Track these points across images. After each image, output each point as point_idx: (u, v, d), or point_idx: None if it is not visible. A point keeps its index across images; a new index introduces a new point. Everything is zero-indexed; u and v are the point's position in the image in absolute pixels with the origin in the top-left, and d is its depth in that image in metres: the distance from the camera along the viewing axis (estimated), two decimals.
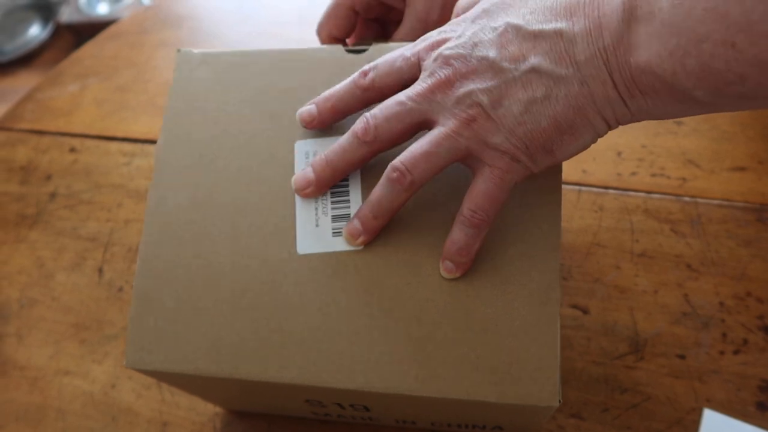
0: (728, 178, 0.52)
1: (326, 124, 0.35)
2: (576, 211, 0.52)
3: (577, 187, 0.53)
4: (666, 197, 0.52)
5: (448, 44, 0.30)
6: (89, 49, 0.76)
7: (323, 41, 0.45)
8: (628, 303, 0.47)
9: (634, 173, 0.53)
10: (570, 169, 0.54)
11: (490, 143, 0.30)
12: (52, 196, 0.64)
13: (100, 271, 0.58)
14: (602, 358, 0.46)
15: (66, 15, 1.78)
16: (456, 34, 0.31)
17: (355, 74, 0.34)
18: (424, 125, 0.32)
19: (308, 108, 0.35)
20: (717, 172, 0.52)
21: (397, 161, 0.31)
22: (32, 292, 0.58)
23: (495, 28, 0.29)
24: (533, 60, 0.28)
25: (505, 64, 0.29)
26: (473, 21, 0.30)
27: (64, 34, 1.86)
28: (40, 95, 0.72)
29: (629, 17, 0.26)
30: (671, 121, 0.57)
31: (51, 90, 0.72)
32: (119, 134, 0.66)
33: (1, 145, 0.69)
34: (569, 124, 0.29)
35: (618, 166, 0.54)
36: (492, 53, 0.29)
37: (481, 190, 0.31)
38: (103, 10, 1.80)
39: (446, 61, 0.30)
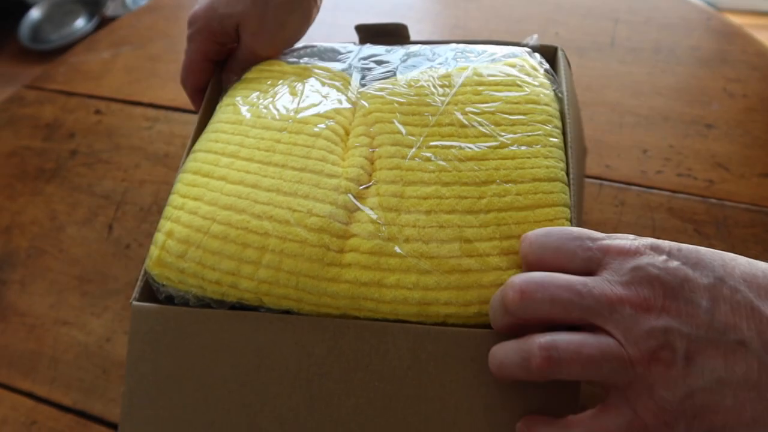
0: (758, 183, 0.50)
1: None
2: (596, 204, 0.50)
3: (598, 181, 0.52)
4: (691, 198, 0.50)
5: (653, 260, 0.26)
6: (127, 19, 0.78)
7: (190, 95, 0.46)
8: None
9: (659, 171, 0.52)
10: (592, 163, 0.53)
11: (657, 394, 0.25)
12: (73, 153, 0.64)
13: (110, 227, 0.58)
14: None
15: (111, 9, 1.83)
16: (662, 254, 0.26)
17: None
18: (584, 324, 0.27)
19: None
20: (747, 177, 0.51)
21: (547, 342, 0.26)
22: (42, 242, 0.58)
23: (709, 276, 0.25)
24: (745, 334, 0.24)
25: (716, 323, 0.25)
26: (680, 250, 0.26)
27: None
28: (74, 59, 0.74)
29: None
30: (702, 123, 0.55)
31: (85, 55, 0.74)
32: (145, 100, 0.67)
33: (30, 103, 0.70)
34: (756, 417, 0.24)
35: (643, 164, 0.52)
36: (704, 302, 0.25)
37: (611, 426, 0.26)
38: None
39: (648, 279, 0.25)
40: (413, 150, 0.34)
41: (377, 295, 0.30)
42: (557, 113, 0.36)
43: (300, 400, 0.31)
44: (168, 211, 0.35)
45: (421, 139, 0.34)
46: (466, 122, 0.35)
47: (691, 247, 0.26)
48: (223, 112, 0.39)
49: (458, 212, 0.31)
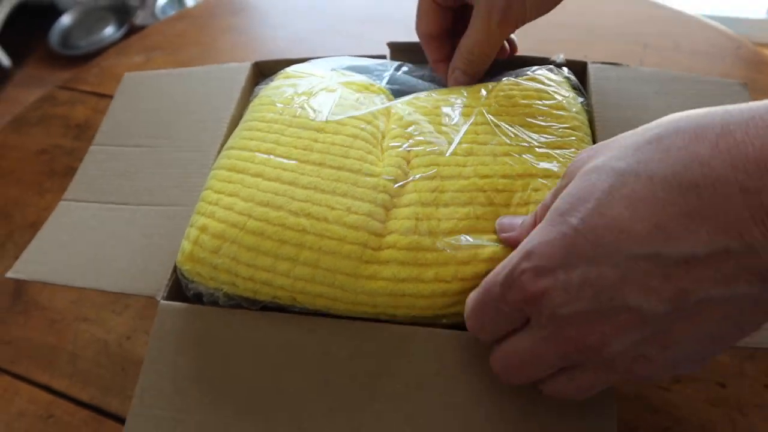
0: None
1: None
2: None
3: None
4: None
5: (556, 299, 0.23)
6: (159, 26, 0.79)
7: (422, 42, 0.44)
8: None
9: None
10: None
11: (645, 374, 0.24)
12: None
13: None
14: None
15: (140, 18, 1.87)
16: (558, 282, 0.23)
17: None
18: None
19: None
20: None
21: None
22: None
23: (617, 265, 0.22)
24: (698, 292, 0.21)
25: (661, 309, 0.21)
26: (570, 251, 0.23)
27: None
28: (106, 62, 0.75)
29: None
30: None
31: (116, 58, 0.75)
32: None
33: (62, 103, 0.71)
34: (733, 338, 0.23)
35: None
36: (633, 301, 0.22)
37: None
38: None
39: (567, 321, 0.23)
40: (451, 147, 0.34)
41: (415, 290, 0.30)
42: (587, 122, 0.37)
43: (321, 404, 0.30)
44: (201, 206, 0.35)
45: (457, 138, 0.35)
46: (499, 123, 0.35)
47: (579, 216, 0.23)
48: (257, 110, 0.39)
49: (496, 205, 0.32)
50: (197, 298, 0.34)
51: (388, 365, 0.30)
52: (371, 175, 0.34)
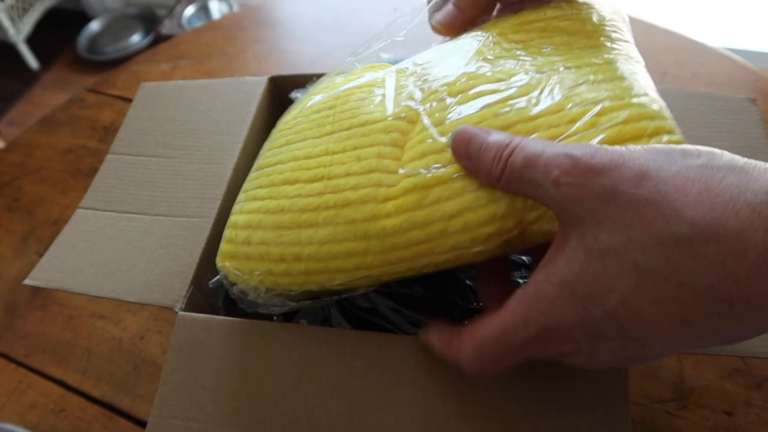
0: None
1: None
2: None
3: None
4: None
5: (576, 359, 0.26)
6: (188, 36, 0.81)
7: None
8: None
9: None
10: None
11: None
12: None
13: None
14: (643, 399, 0.43)
15: (166, 28, 1.91)
16: (581, 352, 0.25)
17: None
18: None
19: None
20: None
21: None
22: None
23: (642, 346, 0.24)
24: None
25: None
26: (595, 335, 0.24)
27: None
28: (134, 68, 0.77)
29: None
30: None
31: (145, 65, 0.77)
32: None
33: (90, 105, 0.73)
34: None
35: None
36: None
37: None
38: None
39: (567, 354, 0.25)
40: (460, 70, 0.32)
41: (440, 212, 0.28)
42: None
43: (339, 413, 0.31)
44: (234, 208, 0.35)
45: (465, 61, 0.32)
46: (512, 43, 0.32)
47: (603, 310, 0.23)
48: (284, 115, 0.39)
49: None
50: (242, 301, 0.34)
51: (407, 375, 0.30)
52: (380, 121, 0.32)
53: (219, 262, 0.34)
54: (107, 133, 0.70)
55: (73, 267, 0.38)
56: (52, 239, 0.61)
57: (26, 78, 2.02)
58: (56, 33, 2.10)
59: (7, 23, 1.88)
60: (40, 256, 0.59)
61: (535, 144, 0.25)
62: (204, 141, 0.44)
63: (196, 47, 0.78)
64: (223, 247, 0.34)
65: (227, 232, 0.34)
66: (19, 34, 1.94)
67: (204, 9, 1.97)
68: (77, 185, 0.65)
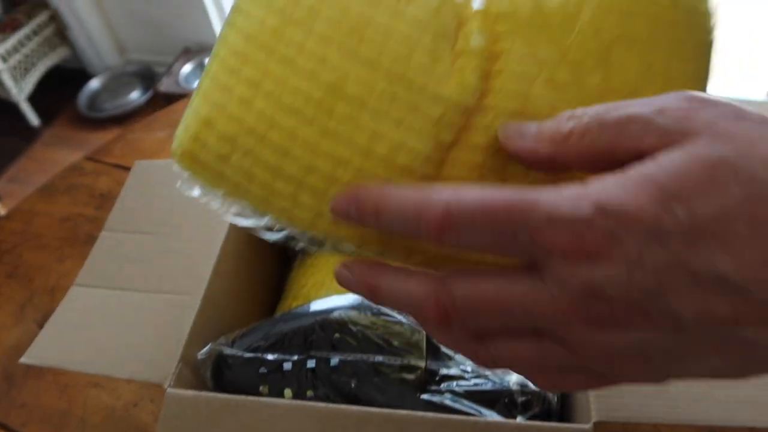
0: None
1: None
2: None
3: None
4: None
5: (611, 272, 0.19)
6: (183, 103, 0.85)
7: None
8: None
9: None
10: None
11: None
12: None
13: None
14: None
15: (165, 85, 1.97)
16: (626, 258, 0.19)
17: (424, 216, 0.21)
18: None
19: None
20: None
21: (446, 295, 0.22)
22: None
23: (697, 276, 0.18)
24: (751, 331, 0.19)
25: (705, 329, 0.19)
26: (658, 240, 0.18)
27: (159, 101, 2.05)
28: (131, 136, 0.80)
29: None
30: None
31: (141, 133, 0.80)
32: None
33: (88, 173, 0.76)
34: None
35: None
36: (688, 312, 0.19)
37: None
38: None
39: (605, 300, 0.19)
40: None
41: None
42: None
43: None
44: (207, 85, 0.27)
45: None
46: None
47: (686, 212, 0.18)
48: None
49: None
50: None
51: None
52: (438, 100, 0.24)
53: (176, 154, 0.27)
54: (104, 200, 0.72)
55: (68, 344, 0.40)
56: (49, 307, 0.63)
57: (27, 135, 2.07)
58: (57, 91, 2.16)
59: (9, 83, 1.94)
60: (38, 324, 0.61)
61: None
62: (194, 218, 0.46)
63: None
64: (186, 142, 0.27)
65: (193, 125, 0.26)
66: (21, 93, 2.00)
67: (201, 66, 2.04)
68: (74, 252, 0.67)
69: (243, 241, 0.48)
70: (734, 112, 0.20)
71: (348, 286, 0.25)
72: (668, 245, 0.18)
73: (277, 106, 0.25)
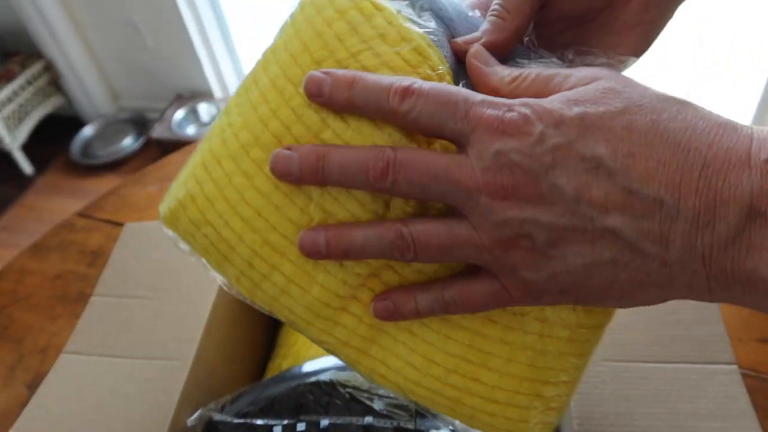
0: (756, 348, 0.52)
1: None
2: None
3: None
4: None
5: (518, 144, 0.24)
6: (174, 157, 0.86)
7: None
8: None
9: None
10: None
11: (520, 274, 0.26)
12: None
13: None
14: None
15: (157, 131, 1.99)
16: (532, 135, 0.24)
17: (395, 85, 0.26)
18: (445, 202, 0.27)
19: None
20: (745, 341, 0.53)
21: (405, 228, 0.26)
22: None
23: (583, 158, 0.24)
24: (615, 221, 0.24)
25: (582, 209, 0.24)
26: (558, 127, 0.24)
27: (152, 147, 2.07)
28: (123, 191, 0.81)
29: (755, 213, 0.22)
30: None
31: (133, 188, 0.81)
32: None
33: (80, 230, 0.77)
34: (623, 292, 0.25)
35: None
36: (569, 189, 0.24)
37: (478, 293, 0.27)
38: (190, 131, 2.01)
39: (509, 166, 0.24)
40: None
41: None
42: None
43: None
44: (190, 170, 0.31)
45: None
46: None
47: (581, 110, 0.25)
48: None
49: None
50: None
51: None
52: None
53: (161, 211, 0.32)
54: (96, 257, 0.73)
55: (57, 415, 0.40)
56: (39, 369, 0.62)
57: (20, 183, 2.08)
58: (50, 138, 2.18)
59: (3, 132, 1.95)
60: (28, 386, 0.61)
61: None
62: (183, 281, 0.47)
63: (181, 169, 0.83)
64: (172, 203, 0.31)
65: (181, 192, 0.30)
66: (14, 142, 2.02)
67: (193, 112, 2.06)
68: (65, 311, 0.67)
69: (233, 302, 0.48)
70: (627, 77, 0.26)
71: (289, 165, 0.27)
72: (564, 132, 0.24)
73: (233, 211, 0.29)
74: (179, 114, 2.03)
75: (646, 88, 0.25)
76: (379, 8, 0.28)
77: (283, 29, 0.30)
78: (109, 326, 0.45)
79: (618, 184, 0.23)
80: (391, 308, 0.29)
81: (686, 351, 0.38)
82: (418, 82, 0.26)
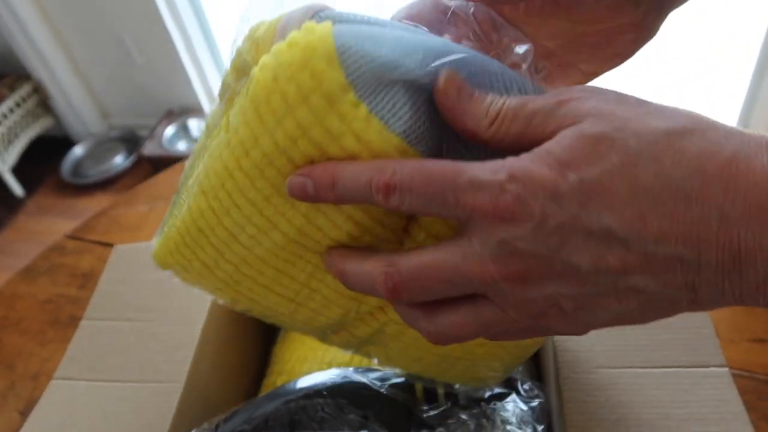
0: (748, 348, 0.52)
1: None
2: None
3: None
4: None
5: (521, 232, 0.23)
6: (163, 176, 0.86)
7: None
8: None
9: None
10: None
11: (554, 330, 0.27)
12: None
13: None
14: None
15: (148, 149, 1.99)
16: (533, 218, 0.23)
17: (375, 181, 0.25)
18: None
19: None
20: (737, 342, 0.53)
21: (394, 270, 0.25)
22: None
23: (591, 232, 0.23)
24: (638, 280, 0.23)
25: (602, 278, 0.23)
26: (556, 201, 0.23)
27: (143, 164, 2.06)
28: (113, 212, 0.81)
29: None
30: None
31: (123, 208, 0.81)
32: None
33: (70, 252, 0.76)
34: (652, 318, 0.25)
35: None
36: (585, 264, 0.23)
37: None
38: (181, 147, 2.01)
39: (518, 254, 0.23)
40: None
41: None
42: None
43: None
44: (175, 221, 0.32)
45: None
46: None
47: (577, 178, 0.23)
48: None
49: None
50: None
51: None
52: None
53: (154, 244, 0.35)
54: (87, 279, 0.72)
55: None
56: (31, 395, 0.62)
57: (11, 205, 2.07)
58: (41, 159, 2.17)
59: None
60: (20, 413, 0.60)
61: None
62: (174, 302, 0.46)
63: (172, 187, 0.82)
64: (162, 241, 0.34)
65: (171, 232, 0.32)
66: (4, 165, 2.01)
67: (184, 128, 2.06)
68: (56, 336, 0.67)
69: (225, 320, 0.48)
70: (615, 98, 0.24)
71: (329, 269, 0.28)
72: (565, 207, 0.23)
73: (213, 265, 0.31)
74: (170, 130, 2.03)
75: (639, 120, 0.23)
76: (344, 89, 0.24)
77: (242, 108, 0.26)
78: (99, 350, 0.44)
79: (633, 249, 0.23)
80: None
81: (677, 355, 0.38)
82: (398, 172, 0.24)
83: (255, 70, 0.25)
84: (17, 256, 1.82)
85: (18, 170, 2.07)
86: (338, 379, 0.44)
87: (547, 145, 0.24)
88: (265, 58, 0.25)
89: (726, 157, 0.22)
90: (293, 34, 0.24)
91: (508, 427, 0.41)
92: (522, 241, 0.23)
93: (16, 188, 2.08)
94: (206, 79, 2.07)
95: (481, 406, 0.43)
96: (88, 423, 0.40)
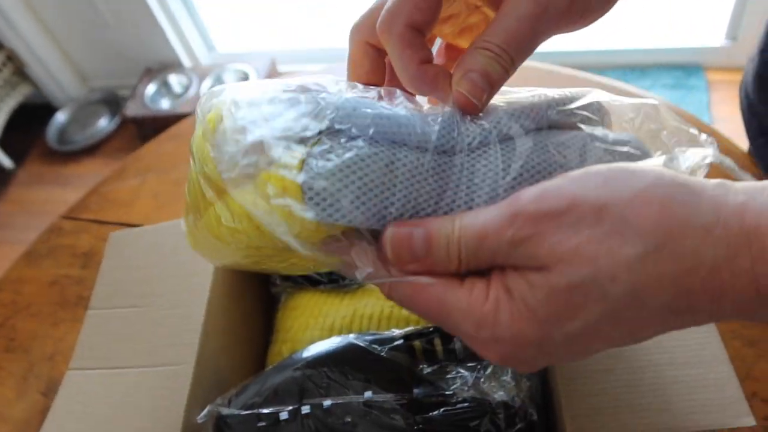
0: None
1: None
2: None
3: None
4: None
5: (518, 361, 0.26)
6: (151, 147, 0.86)
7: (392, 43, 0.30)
8: None
9: None
10: None
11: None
12: None
13: None
14: None
15: (131, 109, 1.96)
16: (527, 361, 0.26)
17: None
18: None
19: None
20: None
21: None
22: None
23: (583, 353, 0.25)
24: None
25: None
26: (546, 353, 0.25)
27: (128, 126, 2.04)
28: (104, 188, 0.81)
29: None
30: None
31: (114, 184, 0.81)
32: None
33: (68, 233, 0.77)
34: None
35: None
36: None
37: None
38: (165, 105, 1.98)
39: (511, 362, 0.26)
40: None
41: None
42: None
43: None
44: (198, 230, 0.37)
45: None
46: None
47: (563, 332, 0.24)
48: None
49: None
50: None
51: None
52: None
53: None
54: (88, 259, 0.73)
55: None
56: (51, 375, 0.64)
57: (2, 177, 2.05)
58: (25, 129, 2.14)
59: None
60: (43, 394, 0.63)
61: (473, 216, 0.25)
62: (175, 285, 0.48)
63: (160, 158, 0.83)
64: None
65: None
66: None
67: (165, 84, 2.03)
68: (67, 316, 0.69)
69: (226, 296, 0.49)
70: (574, 223, 0.23)
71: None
72: (553, 352, 0.25)
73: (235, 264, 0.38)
74: (151, 88, 1.99)
75: (607, 254, 0.22)
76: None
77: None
78: (108, 339, 0.46)
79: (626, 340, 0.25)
80: None
81: None
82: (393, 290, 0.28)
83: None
84: (16, 228, 1.83)
85: (4, 142, 2.04)
86: (340, 347, 0.46)
87: (522, 293, 0.24)
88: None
89: (707, 269, 0.22)
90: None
91: (503, 377, 0.44)
92: (514, 360, 0.26)
93: (5, 160, 2.06)
94: (182, 32, 2.02)
95: (478, 359, 0.45)
96: (106, 411, 0.42)
